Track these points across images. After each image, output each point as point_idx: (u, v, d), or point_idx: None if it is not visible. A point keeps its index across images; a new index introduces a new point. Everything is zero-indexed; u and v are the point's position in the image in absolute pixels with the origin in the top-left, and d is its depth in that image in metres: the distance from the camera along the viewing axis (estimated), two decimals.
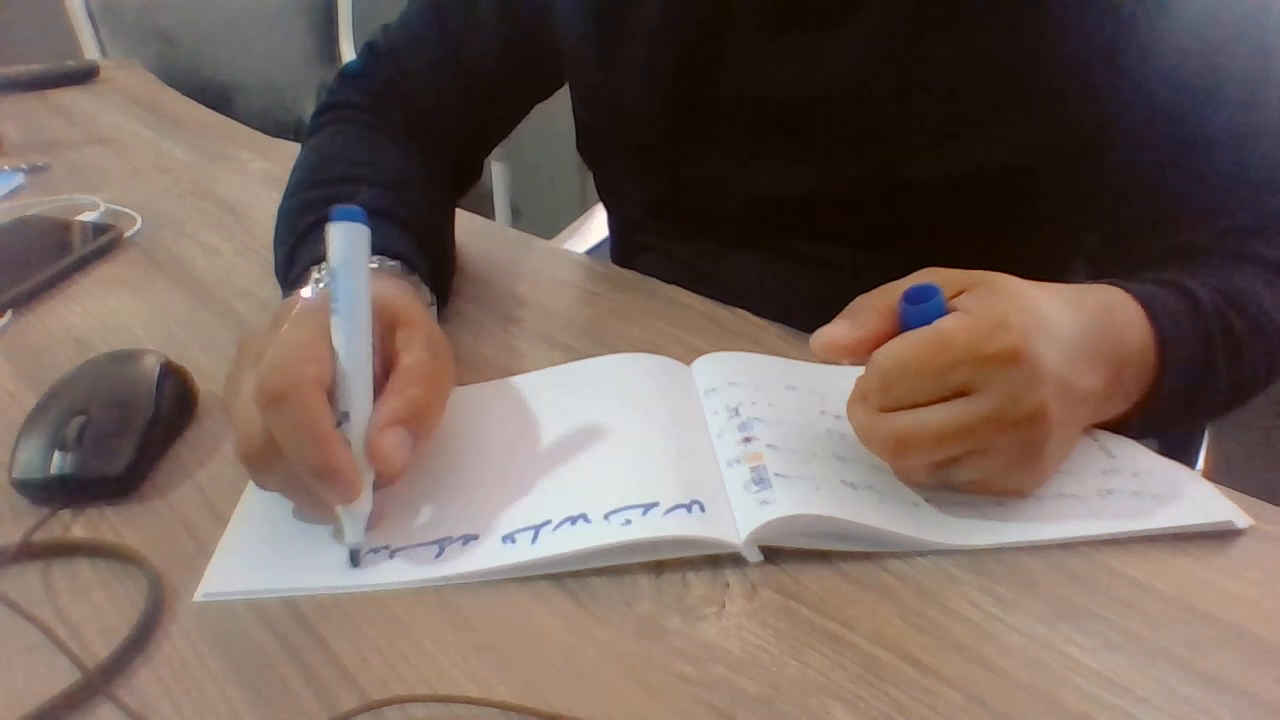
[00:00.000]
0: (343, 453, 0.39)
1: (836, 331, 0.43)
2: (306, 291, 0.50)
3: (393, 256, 0.54)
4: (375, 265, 0.53)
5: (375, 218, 0.55)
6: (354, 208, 0.43)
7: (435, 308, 0.58)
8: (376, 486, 0.42)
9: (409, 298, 0.49)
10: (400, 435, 0.41)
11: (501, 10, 0.71)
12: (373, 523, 0.42)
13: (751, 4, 0.61)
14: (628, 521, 0.41)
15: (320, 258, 0.52)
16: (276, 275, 0.61)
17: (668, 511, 0.41)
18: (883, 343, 0.41)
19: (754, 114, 0.64)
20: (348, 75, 0.76)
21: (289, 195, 0.64)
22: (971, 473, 0.42)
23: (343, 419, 0.41)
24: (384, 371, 0.44)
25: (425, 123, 0.72)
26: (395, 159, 0.67)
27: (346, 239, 0.42)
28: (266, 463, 0.40)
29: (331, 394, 0.41)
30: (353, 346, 0.42)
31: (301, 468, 0.39)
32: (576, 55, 0.70)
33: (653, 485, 0.43)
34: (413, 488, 0.46)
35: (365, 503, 0.41)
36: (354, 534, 0.41)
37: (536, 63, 0.73)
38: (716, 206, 0.68)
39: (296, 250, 0.58)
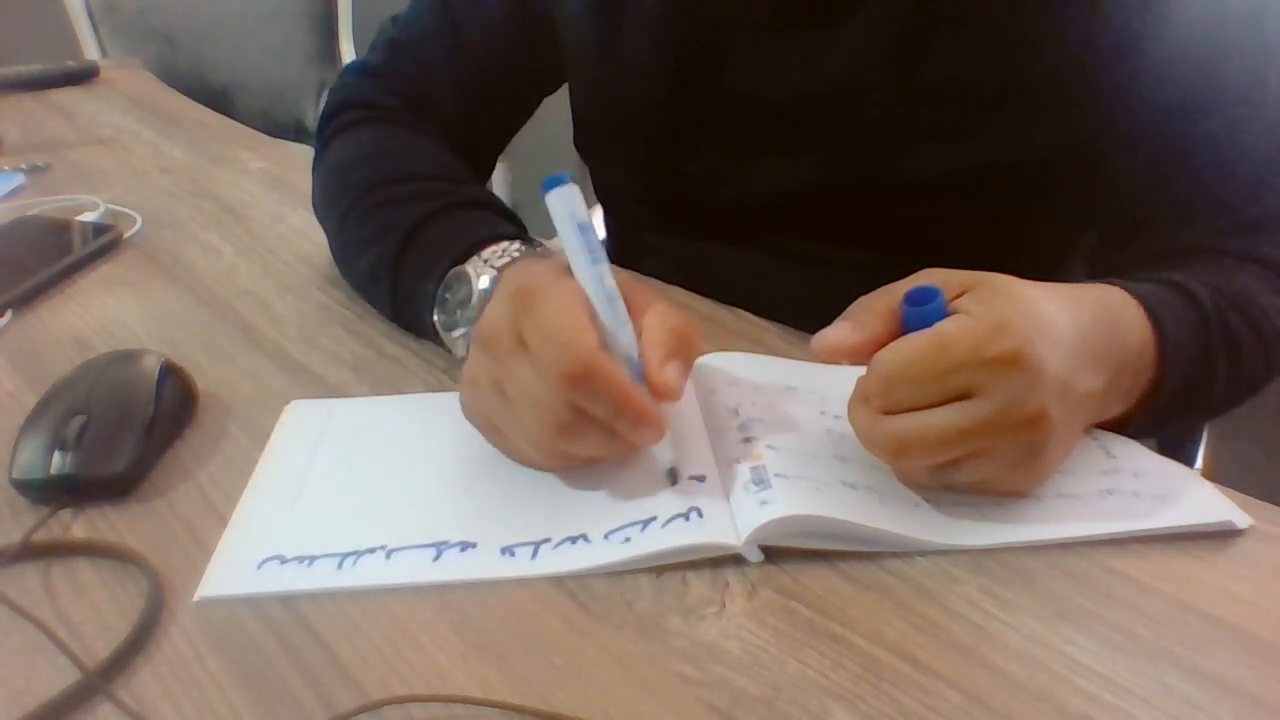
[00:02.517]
0: (650, 401, 0.42)
1: (837, 334, 0.43)
2: (479, 288, 0.52)
3: (524, 240, 0.56)
4: (518, 252, 0.54)
5: (488, 210, 0.59)
6: (562, 174, 0.45)
7: None
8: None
9: None
10: (676, 366, 0.43)
11: (510, 4, 0.71)
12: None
13: (753, 1, 0.61)
14: (627, 539, 0.41)
15: (468, 246, 0.55)
16: (378, 262, 0.60)
17: (666, 523, 0.42)
18: (884, 345, 0.41)
19: (754, 110, 0.64)
20: (368, 72, 0.75)
21: (366, 188, 0.63)
22: (972, 475, 0.42)
23: (628, 362, 0.44)
24: None
25: (448, 124, 0.72)
26: (451, 159, 0.68)
27: (571, 199, 0.44)
28: (579, 434, 0.42)
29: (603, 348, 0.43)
30: (612, 291, 0.44)
31: (621, 426, 0.42)
32: (578, 50, 0.70)
33: (649, 499, 0.43)
34: (414, 488, 0.46)
35: (670, 430, 0.44)
36: (669, 458, 0.45)
37: (545, 56, 0.73)
38: (716, 203, 0.68)
39: (418, 237, 0.58)
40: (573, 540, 0.42)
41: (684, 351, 0.44)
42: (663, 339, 0.44)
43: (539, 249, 0.55)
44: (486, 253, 0.54)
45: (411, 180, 0.63)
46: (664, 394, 0.43)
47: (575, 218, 0.44)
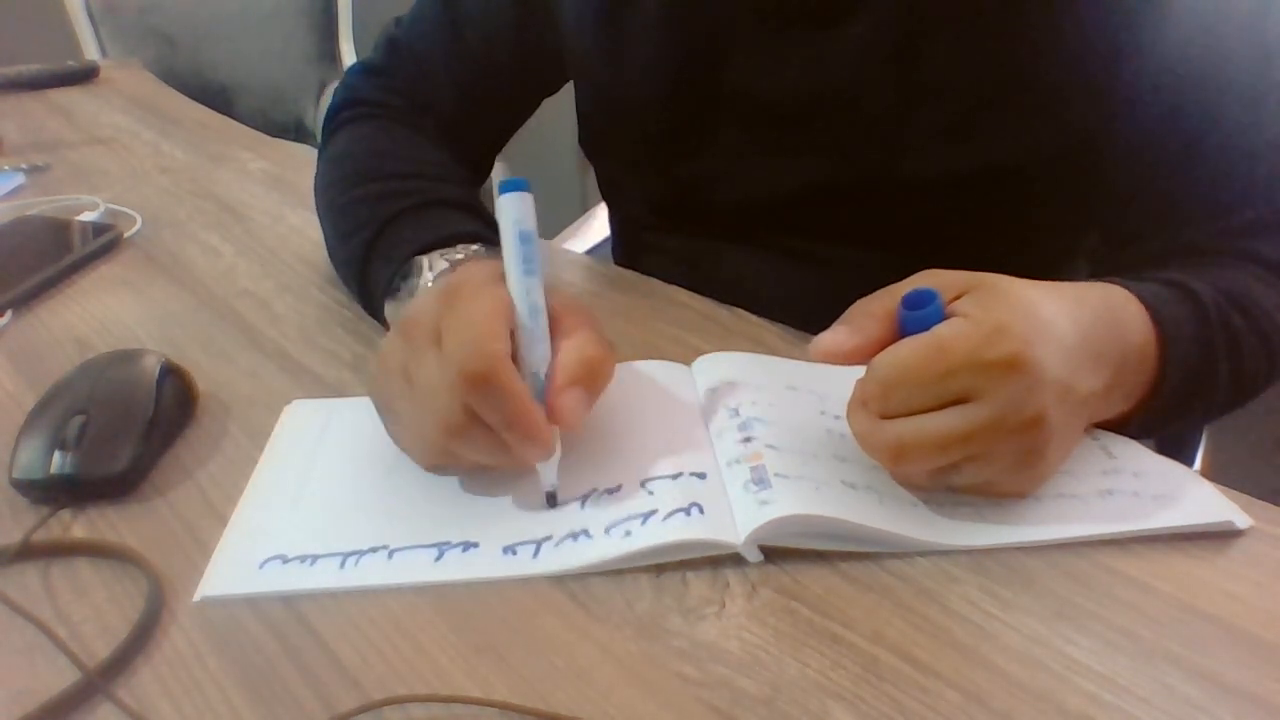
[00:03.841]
0: (543, 419, 0.42)
1: (835, 338, 0.43)
2: (427, 277, 0.54)
3: (487, 242, 0.57)
4: (476, 251, 0.56)
5: (460, 210, 0.60)
6: (520, 179, 0.46)
7: None
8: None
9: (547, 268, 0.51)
10: (578, 395, 0.43)
11: (513, 5, 0.71)
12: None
13: (754, 2, 0.61)
14: (628, 533, 0.41)
15: (425, 244, 0.56)
16: (348, 259, 0.62)
17: (666, 517, 0.42)
18: (882, 348, 0.41)
19: (755, 111, 0.64)
20: (369, 71, 0.76)
21: (348, 185, 0.65)
22: (972, 478, 0.42)
23: (532, 379, 0.44)
24: None
25: (447, 122, 0.73)
26: (444, 158, 0.69)
27: (520, 206, 0.45)
28: (467, 437, 0.42)
29: (515, 358, 0.43)
30: (537, 306, 0.45)
31: (509, 437, 0.42)
32: (581, 50, 0.70)
33: (652, 493, 0.43)
34: (415, 487, 0.46)
35: (557, 453, 0.44)
36: (550, 480, 0.44)
37: (545, 57, 0.73)
38: (717, 203, 0.68)
39: (384, 236, 0.59)
40: (574, 536, 0.42)
41: (591, 382, 0.44)
42: (572, 365, 0.44)
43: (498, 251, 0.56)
44: (446, 249, 0.56)
45: (393, 178, 0.64)
46: (558, 418, 0.43)
47: (518, 225, 0.45)
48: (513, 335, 0.43)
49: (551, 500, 0.44)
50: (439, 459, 0.45)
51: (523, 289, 0.44)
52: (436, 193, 0.62)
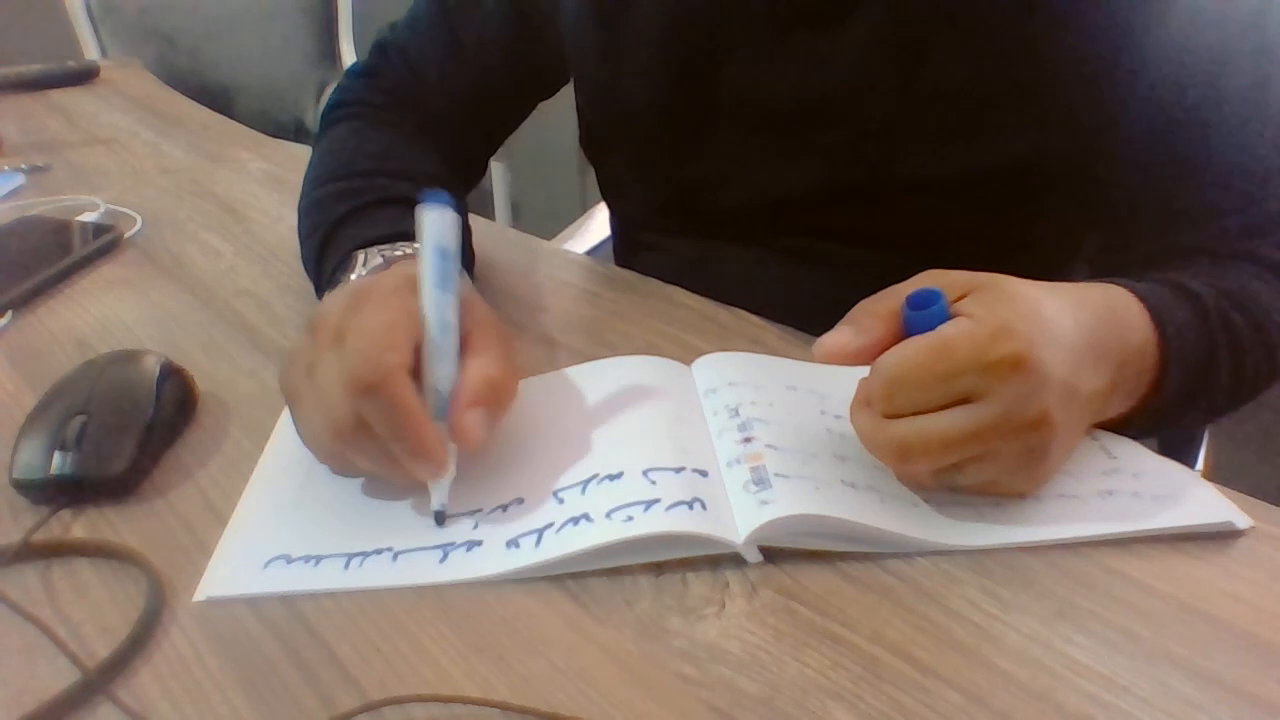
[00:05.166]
0: (434, 435, 0.42)
1: (839, 338, 0.43)
2: (360, 272, 0.54)
3: None
4: (413, 250, 0.55)
5: (411, 208, 0.57)
6: (442, 192, 0.46)
7: None
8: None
9: (468, 286, 0.51)
10: (478, 415, 0.43)
11: (507, 8, 0.71)
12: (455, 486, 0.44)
13: (754, 4, 0.61)
14: (629, 518, 0.41)
15: (364, 242, 0.56)
16: (306, 261, 0.62)
17: (669, 508, 0.42)
18: (886, 348, 0.41)
19: (756, 113, 0.64)
20: (359, 73, 0.77)
21: (314, 186, 0.65)
22: (975, 477, 0.42)
23: (434, 395, 0.44)
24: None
25: (436, 121, 0.73)
26: (419, 155, 0.69)
27: (441, 222, 0.45)
28: (356, 444, 0.42)
29: (416, 370, 0.43)
30: (448, 322, 0.44)
31: (397, 449, 0.42)
32: (581, 54, 0.70)
33: (654, 483, 0.43)
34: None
35: (451, 472, 0.43)
36: (439, 499, 0.43)
37: (541, 61, 0.73)
38: (718, 205, 0.69)
39: (335, 235, 0.59)
40: (575, 521, 0.42)
41: (494, 402, 0.44)
42: (476, 384, 0.44)
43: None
44: (387, 245, 0.56)
45: (356, 177, 0.64)
46: (458, 436, 0.43)
47: (436, 240, 0.45)
48: (421, 348, 0.43)
49: (440, 519, 0.43)
50: (331, 461, 0.45)
51: (434, 304, 0.44)
52: (393, 191, 0.62)
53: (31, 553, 0.43)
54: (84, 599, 0.40)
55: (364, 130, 0.72)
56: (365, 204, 0.61)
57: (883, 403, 0.41)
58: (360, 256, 0.55)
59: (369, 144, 0.70)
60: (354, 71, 0.77)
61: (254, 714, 0.35)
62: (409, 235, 0.56)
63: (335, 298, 0.46)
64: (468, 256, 0.67)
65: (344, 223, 0.59)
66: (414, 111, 0.73)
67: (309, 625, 0.39)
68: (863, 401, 0.43)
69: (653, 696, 0.35)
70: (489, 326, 0.47)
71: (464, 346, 0.45)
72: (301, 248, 0.64)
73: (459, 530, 0.43)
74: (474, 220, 0.78)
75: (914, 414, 0.41)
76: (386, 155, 0.68)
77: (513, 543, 0.42)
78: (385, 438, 0.41)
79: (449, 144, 0.73)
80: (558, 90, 0.78)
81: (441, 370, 0.44)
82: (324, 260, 0.59)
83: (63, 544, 0.43)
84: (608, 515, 0.42)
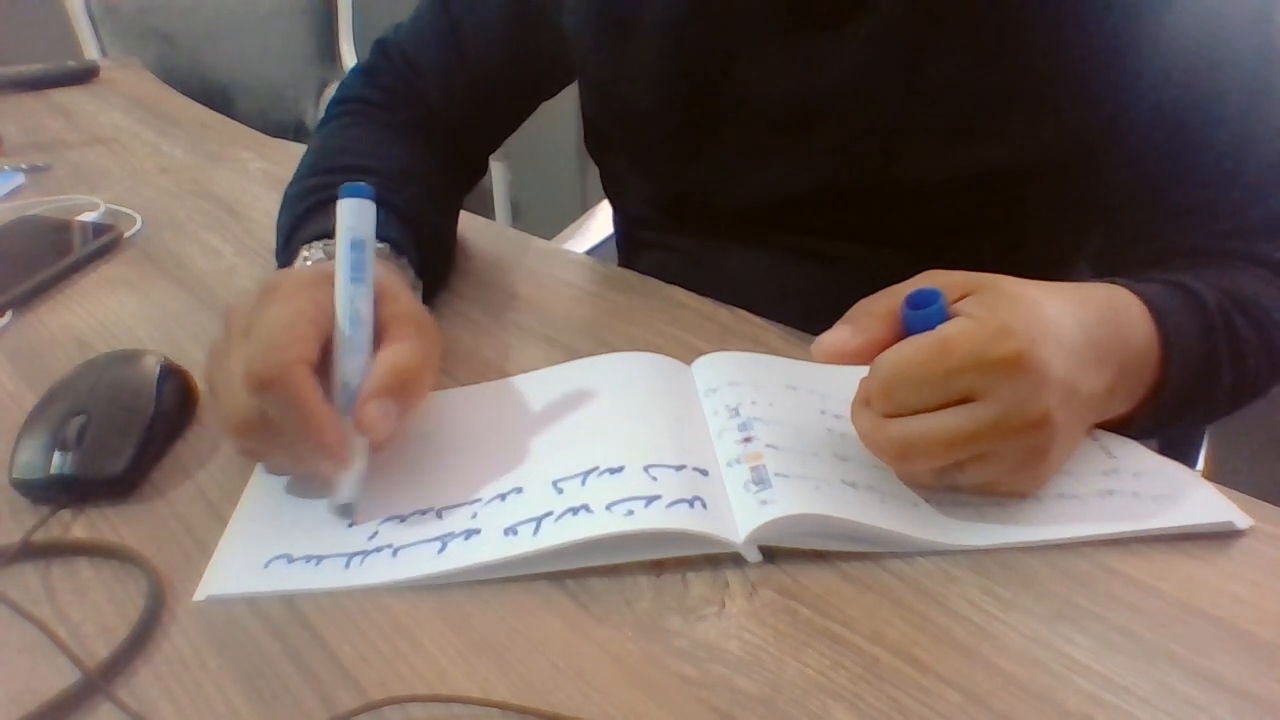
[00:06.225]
0: (333, 429, 0.42)
1: (838, 337, 0.43)
2: (306, 263, 0.53)
3: (381, 240, 0.56)
4: None
5: (379, 206, 0.58)
6: (362, 184, 0.46)
7: (419, 293, 0.60)
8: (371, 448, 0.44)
9: (394, 278, 0.51)
10: (385, 405, 0.43)
11: (510, 9, 0.71)
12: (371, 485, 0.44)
13: (759, 3, 0.61)
14: (630, 512, 0.41)
15: (312, 237, 0.56)
16: (276, 256, 0.62)
17: (670, 505, 0.41)
18: (885, 348, 0.41)
19: (761, 112, 0.64)
20: (361, 71, 0.77)
21: (293, 183, 0.65)
22: (976, 477, 0.42)
23: (343, 388, 0.44)
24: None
25: (435, 120, 0.73)
26: (400, 153, 0.68)
27: (357, 213, 0.45)
28: (259, 437, 0.42)
29: (322, 365, 0.43)
30: (360, 315, 0.44)
31: (299, 443, 0.42)
32: (585, 53, 0.70)
33: (655, 479, 0.43)
34: (415, 489, 0.46)
35: (358, 465, 0.43)
36: (344, 493, 0.43)
37: (544, 61, 0.73)
38: (722, 204, 0.69)
39: (295, 231, 0.59)
40: (574, 511, 0.42)
41: (403, 394, 0.44)
42: (383, 376, 0.44)
43: (400, 259, 0.57)
44: (330, 241, 0.55)
45: (332, 172, 0.64)
46: (363, 427, 0.43)
47: (350, 232, 0.45)
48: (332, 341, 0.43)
49: (345, 513, 0.43)
50: (239, 452, 0.46)
51: (347, 297, 0.44)
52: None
53: (31, 553, 0.43)
54: (84, 599, 0.40)
55: (352, 128, 0.71)
56: (325, 199, 0.60)
57: (882, 402, 0.41)
58: (304, 251, 0.55)
59: (354, 142, 0.70)
60: (356, 70, 0.77)
61: (254, 714, 0.35)
62: None
63: (250, 291, 0.46)
64: (443, 257, 0.68)
65: (304, 218, 0.60)
66: (414, 110, 0.73)
67: (309, 625, 0.39)
68: (863, 401, 0.43)
69: (653, 696, 0.35)
70: (407, 317, 0.47)
71: (380, 338, 0.45)
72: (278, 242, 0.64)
73: (457, 520, 0.43)
74: (474, 220, 0.78)
75: (914, 413, 0.41)
76: (365, 153, 0.68)
77: (511, 530, 0.42)
78: (289, 432, 0.42)
79: (449, 143, 0.73)
80: (560, 90, 0.78)
81: (351, 363, 0.44)
82: (285, 254, 0.59)
83: (63, 544, 0.43)
84: (608, 508, 0.42)
